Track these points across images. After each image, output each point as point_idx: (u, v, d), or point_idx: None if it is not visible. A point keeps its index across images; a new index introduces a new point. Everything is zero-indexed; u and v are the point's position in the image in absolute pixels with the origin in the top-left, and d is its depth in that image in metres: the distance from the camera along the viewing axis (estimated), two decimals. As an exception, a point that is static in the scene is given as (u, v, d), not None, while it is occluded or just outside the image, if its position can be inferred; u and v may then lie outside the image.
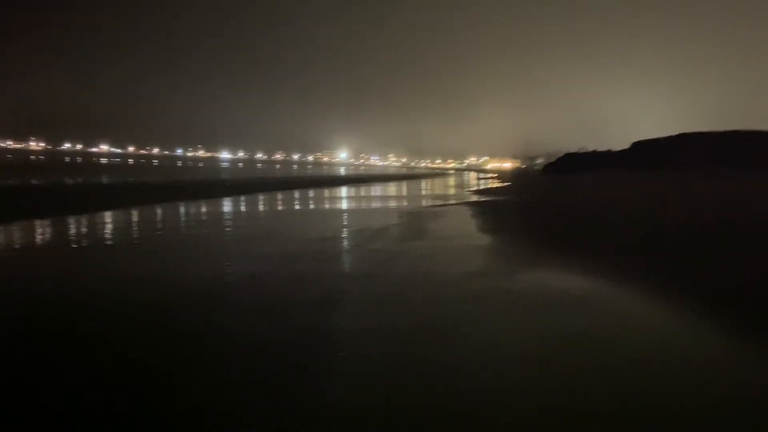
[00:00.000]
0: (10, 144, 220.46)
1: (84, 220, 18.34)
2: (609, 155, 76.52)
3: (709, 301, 8.07)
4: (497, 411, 4.63)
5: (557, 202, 27.85)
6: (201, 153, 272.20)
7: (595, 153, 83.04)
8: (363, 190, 44.36)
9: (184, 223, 19.26)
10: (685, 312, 7.64)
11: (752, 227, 14.39)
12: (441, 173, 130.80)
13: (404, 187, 49.84)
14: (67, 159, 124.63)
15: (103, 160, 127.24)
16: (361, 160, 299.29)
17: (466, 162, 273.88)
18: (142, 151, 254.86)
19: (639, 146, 73.56)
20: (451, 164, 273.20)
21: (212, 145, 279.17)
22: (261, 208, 26.22)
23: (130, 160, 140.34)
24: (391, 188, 48.57)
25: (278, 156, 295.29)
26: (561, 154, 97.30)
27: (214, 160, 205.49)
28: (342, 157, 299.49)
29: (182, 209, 23.31)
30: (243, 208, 25.31)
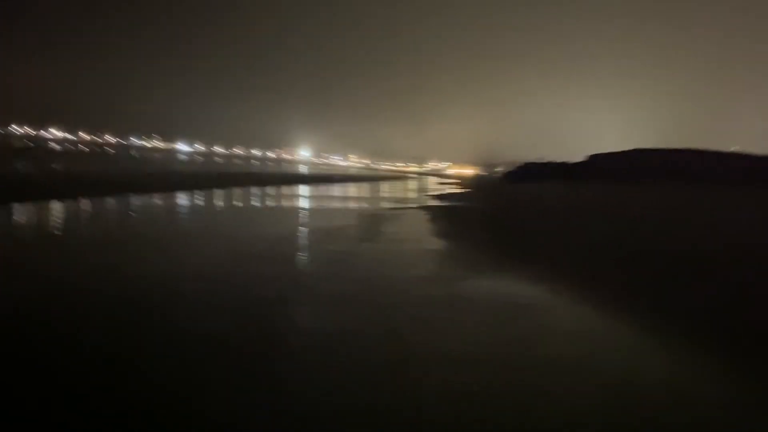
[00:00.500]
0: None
1: None
2: (566, 166, 78.28)
3: (642, 309, 8.26)
4: (425, 411, 4.61)
5: (514, 210, 28.27)
6: (157, 143, 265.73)
7: (553, 163, 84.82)
8: (324, 190, 44.12)
9: (127, 218, 18.72)
10: (618, 317, 7.80)
11: (699, 240, 14.89)
12: (402, 176, 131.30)
13: (364, 189, 49.79)
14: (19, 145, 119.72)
15: (56, 146, 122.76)
16: (323, 159, 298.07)
17: (428, 166, 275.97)
18: (95, 138, 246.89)
19: (596, 159, 75.63)
20: (413, 168, 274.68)
21: (169, 135, 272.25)
22: (216, 204, 25.74)
23: (85, 148, 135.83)
24: (351, 189, 48.47)
25: (238, 150, 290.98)
26: (521, 163, 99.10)
27: (172, 152, 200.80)
28: (304, 155, 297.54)
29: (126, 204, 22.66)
30: (198, 204, 24.79)
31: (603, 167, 65.95)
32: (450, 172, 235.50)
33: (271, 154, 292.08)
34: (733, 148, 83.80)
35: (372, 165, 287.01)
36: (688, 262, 11.92)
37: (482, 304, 8.29)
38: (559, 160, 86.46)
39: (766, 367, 6.09)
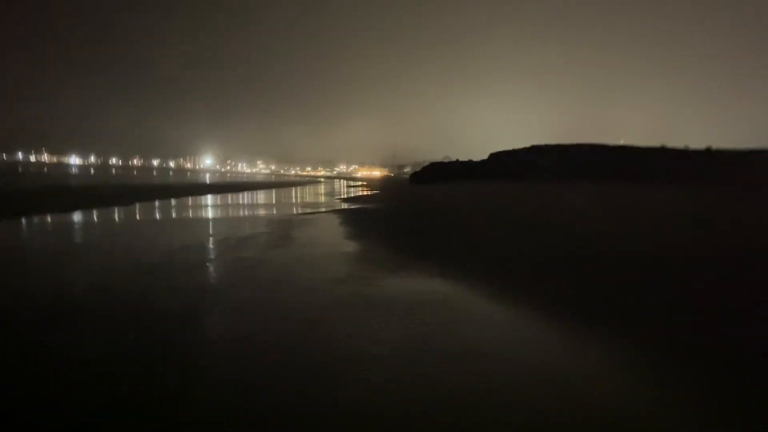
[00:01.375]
0: None
1: None
2: (471, 165, 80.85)
3: (539, 297, 8.84)
4: (343, 406, 4.74)
5: (421, 211, 28.95)
6: (45, 157, 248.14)
7: (458, 162, 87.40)
8: (231, 198, 43.03)
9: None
10: (519, 307, 8.31)
11: (590, 233, 15.98)
12: (311, 181, 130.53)
13: (273, 195, 49.07)
14: None
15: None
16: (228, 167, 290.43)
17: (336, 170, 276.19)
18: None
19: (496, 157, 78.68)
20: (321, 172, 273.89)
21: (60, 148, 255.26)
22: (113, 217, 24.47)
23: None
24: (260, 196, 47.60)
25: (136, 161, 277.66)
26: (427, 163, 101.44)
27: (62, 166, 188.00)
28: (207, 164, 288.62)
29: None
30: (95, 218, 23.45)
31: (503, 165, 68.83)
32: (359, 174, 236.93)
33: (171, 164, 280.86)
34: (621, 141, 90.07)
35: (280, 171, 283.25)
36: (582, 254, 12.79)
37: (393, 302, 8.52)
38: (463, 159, 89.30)
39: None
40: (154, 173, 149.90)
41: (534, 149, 74.25)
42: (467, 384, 5.38)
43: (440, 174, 77.17)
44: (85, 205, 27.52)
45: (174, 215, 26.24)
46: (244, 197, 45.13)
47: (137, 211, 26.79)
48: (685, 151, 67.93)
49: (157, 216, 25.46)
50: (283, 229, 19.11)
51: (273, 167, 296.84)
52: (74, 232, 17.78)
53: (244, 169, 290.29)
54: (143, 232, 19.06)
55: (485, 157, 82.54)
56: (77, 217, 22.95)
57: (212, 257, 12.85)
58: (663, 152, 68.66)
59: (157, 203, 32.77)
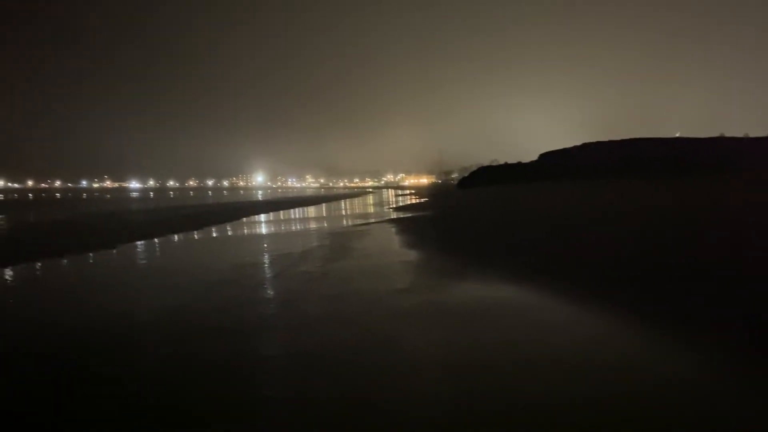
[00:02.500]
0: None
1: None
2: (519, 167, 79.90)
3: (612, 301, 8.69)
4: (416, 414, 4.81)
5: (472, 216, 28.81)
6: (108, 184, 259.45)
7: (506, 165, 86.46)
8: (283, 214, 43.87)
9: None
10: (594, 314, 8.20)
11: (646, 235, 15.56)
12: (360, 192, 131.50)
13: (325, 208, 49.71)
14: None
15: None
16: (279, 183, 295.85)
17: (384, 180, 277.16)
18: (43, 185, 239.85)
19: (546, 157, 77.40)
20: (369, 183, 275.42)
21: (120, 175, 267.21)
22: (183, 237, 25.38)
23: (30, 195, 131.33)
24: (313, 210, 48.32)
25: (191, 183, 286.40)
26: (474, 168, 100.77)
27: (123, 190, 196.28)
28: (259, 181, 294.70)
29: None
30: (163, 239, 24.37)
31: (554, 165, 67.64)
32: (406, 183, 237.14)
33: (225, 183, 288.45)
34: (677, 134, 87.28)
35: (329, 184, 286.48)
36: (643, 258, 12.49)
37: (461, 310, 8.56)
38: (513, 161, 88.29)
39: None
40: (209, 193, 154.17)
41: (585, 147, 72.66)
42: (551, 395, 5.31)
43: (489, 178, 76.46)
44: (160, 233, 28.67)
45: (235, 233, 26.95)
46: (298, 212, 45.90)
47: (200, 230, 27.71)
48: (745, 139, 64.99)
49: (225, 233, 26.22)
50: (341, 241, 19.41)
51: (322, 180, 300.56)
52: (141, 256, 18.54)
53: (294, 183, 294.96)
54: (210, 249, 19.69)
55: (534, 158, 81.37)
56: (150, 240, 23.94)
57: (277, 272, 13.16)
58: (722, 141, 65.89)
59: (219, 225, 33.77)
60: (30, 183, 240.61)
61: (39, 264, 15.83)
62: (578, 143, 74.81)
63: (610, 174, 49.37)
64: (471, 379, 5.69)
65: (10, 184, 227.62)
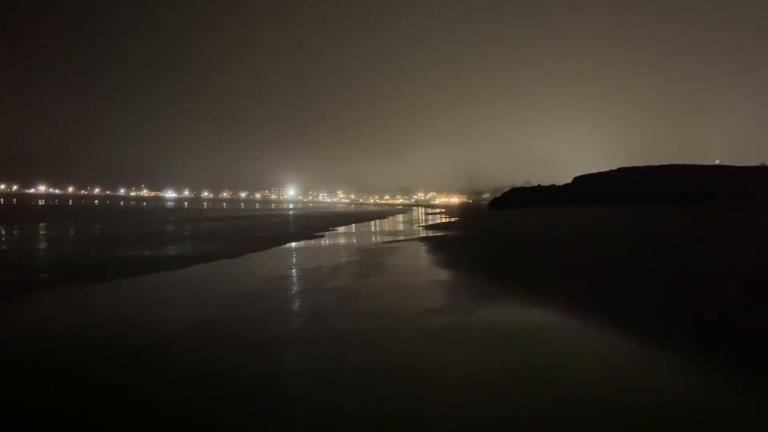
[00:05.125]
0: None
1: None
2: (553, 189, 79.05)
3: (649, 322, 8.46)
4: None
5: (505, 237, 28.54)
6: (145, 192, 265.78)
7: (539, 187, 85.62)
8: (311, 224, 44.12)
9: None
10: (624, 337, 8.00)
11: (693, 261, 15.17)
12: (390, 209, 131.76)
13: (355, 224, 49.86)
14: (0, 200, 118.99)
15: (41, 201, 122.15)
16: (310, 197, 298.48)
17: (414, 198, 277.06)
18: (83, 192, 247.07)
19: (581, 180, 76.45)
20: (399, 200, 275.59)
21: (157, 184, 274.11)
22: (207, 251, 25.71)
23: (70, 201, 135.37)
24: (344, 225, 48.46)
25: (225, 194, 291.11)
26: (506, 189, 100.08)
27: (159, 200, 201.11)
28: (290, 195, 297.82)
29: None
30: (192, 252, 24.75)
31: (588, 188, 66.73)
32: (436, 201, 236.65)
33: (257, 196, 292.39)
34: (717, 161, 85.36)
35: (359, 200, 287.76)
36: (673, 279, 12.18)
37: (492, 332, 8.46)
38: (546, 183, 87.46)
39: None
40: (242, 205, 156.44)
41: (621, 172, 71.59)
42: (586, 421, 5.22)
43: (521, 199, 75.81)
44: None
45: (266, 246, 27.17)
46: (331, 226, 46.12)
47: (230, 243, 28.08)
48: (790, 169, 63.03)
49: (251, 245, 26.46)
50: (372, 257, 19.43)
51: (352, 196, 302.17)
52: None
53: (324, 198, 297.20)
54: (244, 263, 19.90)
55: (568, 180, 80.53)
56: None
57: (308, 287, 13.20)
58: (764, 170, 64.13)
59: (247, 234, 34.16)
60: (71, 189, 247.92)
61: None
62: (614, 167, 73.79)
63: (646, 200, 48.40)
64: (505, 403, 5.59)
65: (51, 190, 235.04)
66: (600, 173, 74.18)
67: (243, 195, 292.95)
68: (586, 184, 71.68)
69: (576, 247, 19.98)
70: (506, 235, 29.39)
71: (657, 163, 68.72)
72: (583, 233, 26.15)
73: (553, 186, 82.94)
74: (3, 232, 31.46)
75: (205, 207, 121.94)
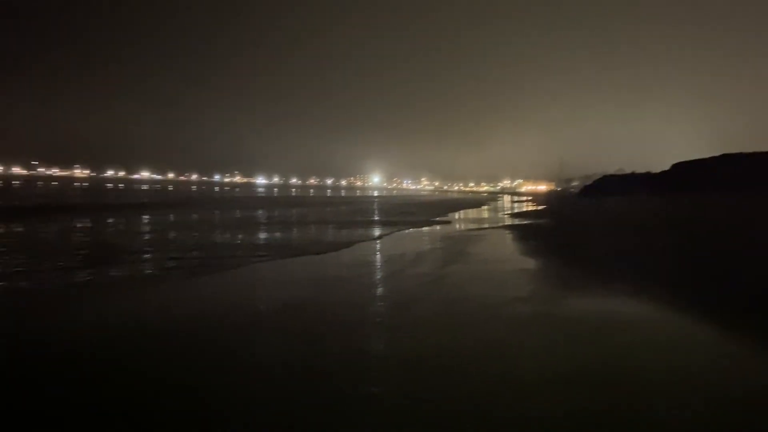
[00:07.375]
0: (56, 171, 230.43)
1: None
2: (648, 177, 75.30)
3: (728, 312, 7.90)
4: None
5: (597, 227, 27.50)
6: (238, 179, 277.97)
7: (633, 175, 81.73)
8: (398, 214, 44.39)
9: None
10: (721, 330, 7.51)
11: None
12: (475, 196, 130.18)
13: (440, 211, 49.65)
14: (110, 185, 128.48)
15: (144, 187, 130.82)
16: (394, 184, 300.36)
17: (500, 185, 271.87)
18: (182, 177, 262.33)
19: (680, 167, 72.24)
20: (485, 187, 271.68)
21: (249, 171, 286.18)
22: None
23: (170, 186, 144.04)
24: (427, 211, 48.39)
25: (312, 181, 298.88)
26: (598, 177, 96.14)
27: (250, 186, 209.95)
28: (375, 181, 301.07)
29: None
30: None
31: (689, 176, 62.90)
32: (523, 189, 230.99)
33: (343, 182, 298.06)
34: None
35: (443, 187, 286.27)
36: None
37: (581, 323, 8.21)
38: (640, 170, 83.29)
39: None
40: (328, 192, 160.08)
41: (726, 158, 66.89)
42: (680, 419, 4.98)
43: (614, 187, 72.68)
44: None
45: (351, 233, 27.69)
46: (415, 213, 46.24)
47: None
48: None
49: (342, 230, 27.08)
50: (457, 244, 19.33)
51: (436, 183, 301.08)
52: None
53: (408, 185, 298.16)
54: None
55: (665, 167, 76.30)
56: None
57: (392, 272, 13.33)
58: None
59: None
60: (171, 175, 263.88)
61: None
62: (716, 154, 69.00)
63: (754, 188, 44.91)
64: (592, 396, 5.42)
65: (153, 176, 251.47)
66: (702, 159, 69.62)
67: (329, 182, 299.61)
68: (686, 171, 67.63)
69: (675, 238, 18.93)
70: (598, 225, 28.30)
71: (765, 149, 63.49)
72: (684, 223, 24.71)
73: (649, 173, 78.90)
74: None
75: (293, 193, 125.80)
